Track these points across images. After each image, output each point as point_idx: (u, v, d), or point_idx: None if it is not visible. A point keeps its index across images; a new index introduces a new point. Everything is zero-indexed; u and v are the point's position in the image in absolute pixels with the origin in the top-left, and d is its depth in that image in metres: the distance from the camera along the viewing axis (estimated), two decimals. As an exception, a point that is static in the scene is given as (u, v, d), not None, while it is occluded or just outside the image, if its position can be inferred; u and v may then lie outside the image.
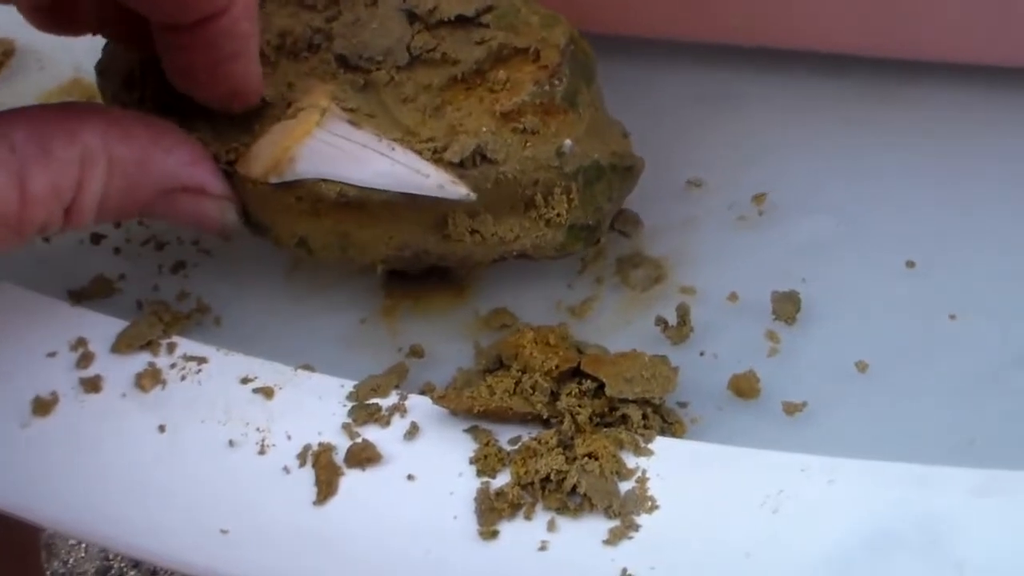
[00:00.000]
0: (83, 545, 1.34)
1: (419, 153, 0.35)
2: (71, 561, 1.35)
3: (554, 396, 0.35)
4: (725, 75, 0.44)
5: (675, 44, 0.44)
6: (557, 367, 0.35)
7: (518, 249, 0.36)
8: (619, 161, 0.37)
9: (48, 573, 1.33)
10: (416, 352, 0.38)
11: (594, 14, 0.39)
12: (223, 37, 0.33)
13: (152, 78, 0.37)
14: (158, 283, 0.41)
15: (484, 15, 0.36)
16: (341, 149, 0.34)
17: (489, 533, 0.33)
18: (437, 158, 0.35)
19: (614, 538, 0.33)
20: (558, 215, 0.36)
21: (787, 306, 0.38)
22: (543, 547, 0.33)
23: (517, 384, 0.35)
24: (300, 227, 0.36)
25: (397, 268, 0.38)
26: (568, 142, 0.35)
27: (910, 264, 0.38)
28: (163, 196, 0.34)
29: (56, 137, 0.31)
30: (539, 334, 0.36)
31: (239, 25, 0.32)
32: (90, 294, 0.40)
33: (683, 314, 0.38)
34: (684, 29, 0.43)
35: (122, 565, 1.34)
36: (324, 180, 0.34)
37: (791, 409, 0.36)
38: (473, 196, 0.34)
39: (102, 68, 0.39)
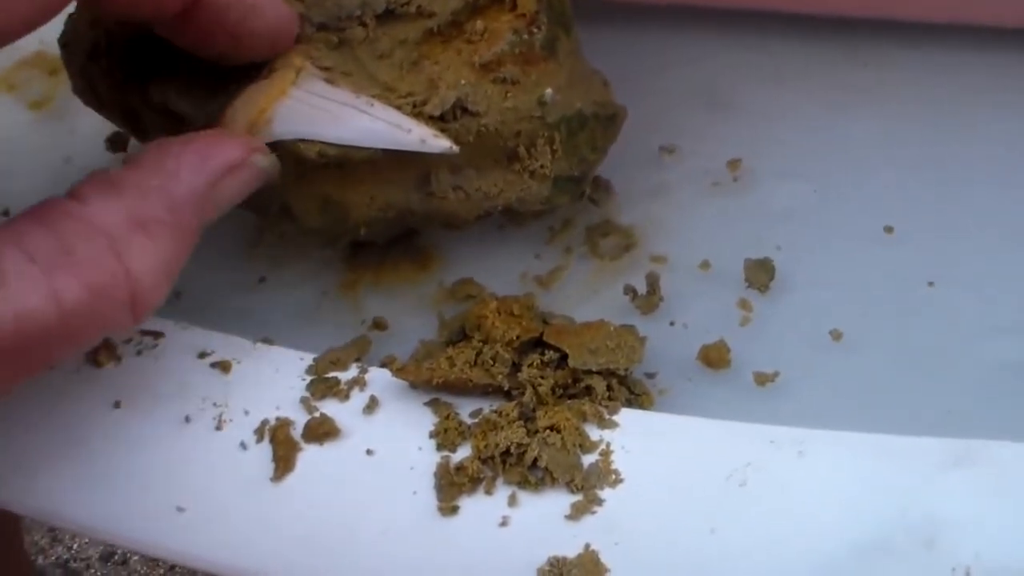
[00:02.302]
0: (87, 530, 1.34)
1: (399, 108, 0.34)
2: (75, 546, 1.35)
3: (516, 367, 0.34)
4: (700, 40, 0.43)
5: (648, 8, 0.43)
6: (518, 337, 0.34)
7: (503, 203, 0.36)
8: (601, 110, 0.36)
9: (52, 558, 1.33)
10: (379, 325, 0.38)
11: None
12: (221, 9, 0.31)
13: (118, 47, 0.36)
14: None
15: None
16: (318, 108, 0.34)
17: (449, 509, 0.32)
18: (417, 112, 0.34)
19: (577, 513, 0.32)
20: (542, 166, 0.35)
21: (760, 274, 0.37)
22: (504, 523, 0.32)
23: (478, 355, 0.34)
24: (281, 192, 0.35)
25: (379, 231, 0.37)
26: (549, 91, 0.34)
27: (888, 230, 0.37)
28: (207, 204, 0.32)
29: (73, 232, 0.29)
30: (503, 304, 0.35)
31: None
32: (50, 269, 0.39)
33: (652, 283, 0.37)
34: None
35: (125, 550, 1.34)
36: (302, 140, 0.34)
37: (762, 379, 0.35)
38: (456, 148, 0.34)
39: (65, 41, 0.38)
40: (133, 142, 0.43)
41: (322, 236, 0.38)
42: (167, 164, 0.30)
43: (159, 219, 0.30)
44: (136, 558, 1.34)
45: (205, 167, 0.31)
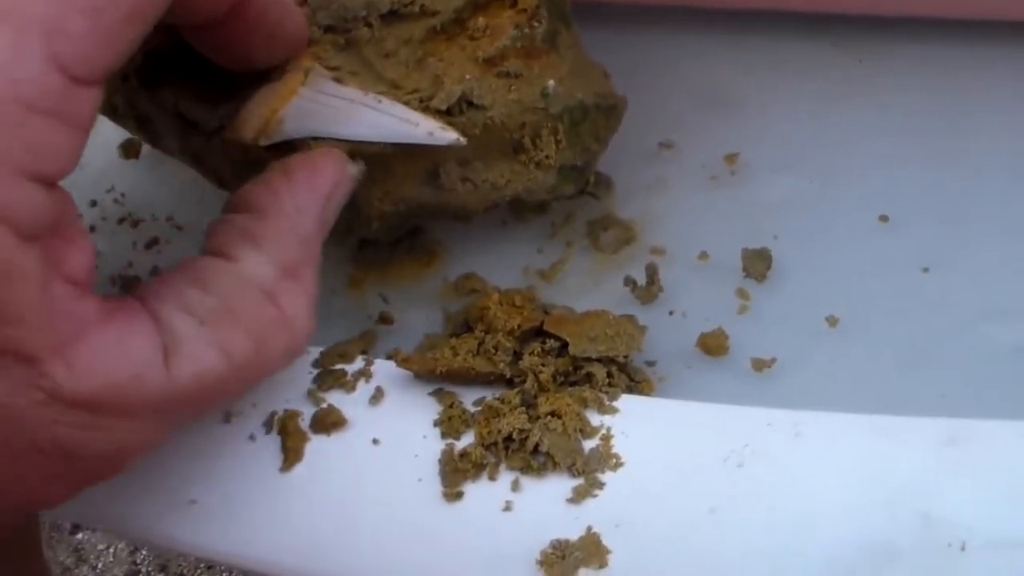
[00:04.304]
0: (111, 549, 1.35)
1: (406, 104, 0.34)
2: (100, 566, 1.36)
3: (517, 356, 0.35)
4: (696, 38, 0.43)
5: (646, 6, 0.43)
6: (519, 326, 0.35)
7: (510, 194, 0.36)
8: (603, 100, 0.37)
9: (78, 577, 1.34)
10: (385, 319, 0.38)
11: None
12: (261, 11, 0.32)
13: (135, 55, 0.37)
14: (132, 260, 0.41)
15: None
16: (328, 106, 0.34)
17: (454, 495, 0.33)
18: (424, 107, 0.34)
19: (578, 496, 0.32)
20: (547, 157, 0.36)
21: (757, 263, 0.37)
22: (507, 507, 0.32)
23: (480, 345, 0.35)
24: None
25: (390, 226, 0.38)
26: (552, 83, 0.35)
27: (883, 219, 0.38)
28: (324, 226, 0.33)
29: (232, 291, 0.30)
30: (505, 296, 0.36)
31: None
32: (65, 272, 0.40)
33: (652, 274, 0.37)
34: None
35: (149, 568, 1.35)
36: (314, 138, 0.34)
37: (760, 366, 0.35)
38: (463, 140, 0.34)
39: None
40: (146, 148, 0.44)
41: (335, 232, 0.39)
42: (286, 205, 0.32)
43: (299, 260, 0.31)
44: (160, 577, 1.34)
45: (318, 196, 0.33)
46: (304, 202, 0.32)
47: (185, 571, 1.33)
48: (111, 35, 0.26)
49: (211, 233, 0.31)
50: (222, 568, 1.22)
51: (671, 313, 0.37)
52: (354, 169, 0.34)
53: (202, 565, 1.30)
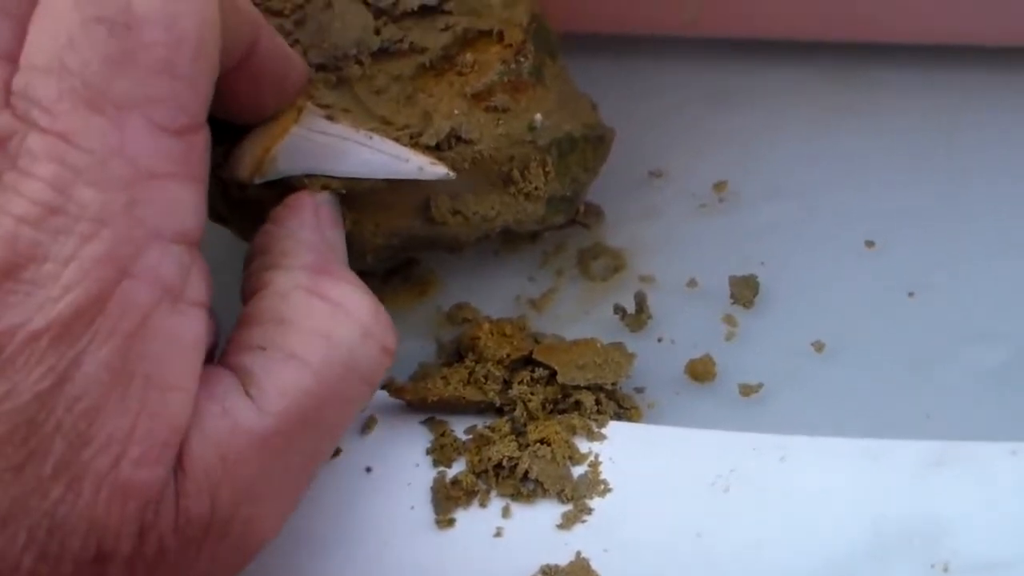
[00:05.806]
0: None
1: (396, 140, 0.35)
2: None
3: (507, 385, 0.35)
4: (685, 66, 0.44)
5: (635, 38, 0.44)
6: (509, 355, 0.35)
7: (501, 225, 0.37)
8: (590, 131, 0.37)
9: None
10: (380, 350, 0.39)
11: (553, 11, 0.39)
12: (270, 59, 0.33)
13: None
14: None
15: (446, 2, 0.37)
16: (320, 143, 0.35)
17: (446, 522, 0.33)
18: (414, 143, 0.35)
19: (567, 522, 0.33)
20: (536, 188, 0.36)
21: (745, 290, 0.38)
22: (498, 533, 0.33)
23: (471, 374, 0.35)
24: None
25: (383, 259, 0.38)
26: (539, 116, 0.36)
27: (869, 244, 0.38)
28: (328, 245, 0.34)
29: (277, 308, 0.31)
30: (496, 325, 0.37)
31: (275, 41, 0.33)
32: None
33: (640, 301, 0.38)
34: (643, 23, 0.43)
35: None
36: (308, 175, 0.35)
37: (747, 391, 0.36)
38: (453, 175, 0.35)
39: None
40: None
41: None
42: (280, 233, 0.33)
43: (321, 262, 0.32)
44: None
45: (303, 217, 0.33)
46: (294, 224, 0.33)
47: None
48: (190, 79, 0.27)
49: (241, 290, 0.32)
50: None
51: (660, 340, 0.38)
52: (326, 195, 0.34)
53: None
